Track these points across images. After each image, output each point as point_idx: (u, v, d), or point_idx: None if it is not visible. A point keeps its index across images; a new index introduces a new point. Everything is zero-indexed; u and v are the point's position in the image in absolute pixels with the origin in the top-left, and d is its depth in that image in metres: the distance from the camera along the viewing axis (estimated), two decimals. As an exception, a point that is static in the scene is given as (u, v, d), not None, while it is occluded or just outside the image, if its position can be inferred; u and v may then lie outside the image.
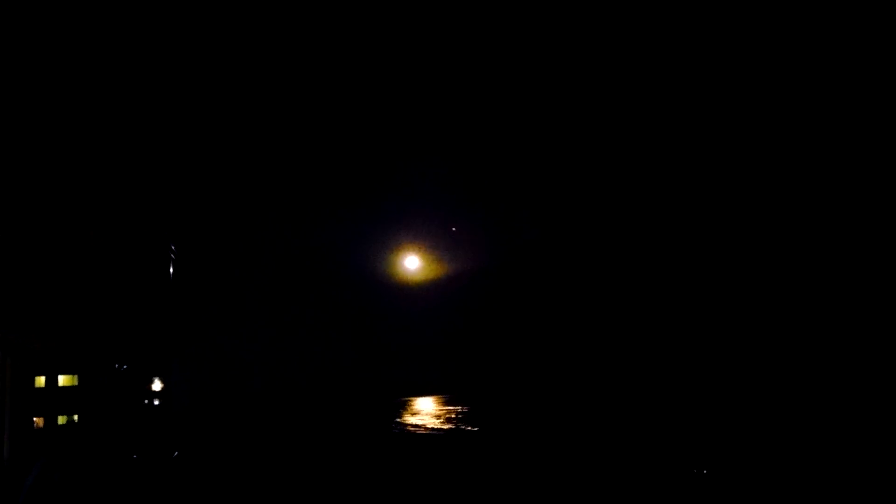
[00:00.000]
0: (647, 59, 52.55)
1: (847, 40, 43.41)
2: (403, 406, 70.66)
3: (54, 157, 41.80)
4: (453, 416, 61.85)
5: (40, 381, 41.12)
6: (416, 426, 57.39)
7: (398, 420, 61.52)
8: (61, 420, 41.77)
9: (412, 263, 68.58)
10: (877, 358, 44.98)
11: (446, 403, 71.25)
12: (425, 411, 66.99)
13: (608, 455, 39.46)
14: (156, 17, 46.55)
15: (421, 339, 76.51)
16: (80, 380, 42.06)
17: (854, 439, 37.31)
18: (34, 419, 40.53)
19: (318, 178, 64.80)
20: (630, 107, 55.31)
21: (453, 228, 63.25)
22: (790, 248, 51.89)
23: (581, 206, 62.01)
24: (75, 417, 42.02)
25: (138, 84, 49.18)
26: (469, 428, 54.49)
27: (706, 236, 56.72)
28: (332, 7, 52.75)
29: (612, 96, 55.48)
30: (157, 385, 45.49)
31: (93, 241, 42.42)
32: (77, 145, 42.71)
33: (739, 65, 49.13)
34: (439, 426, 57.10)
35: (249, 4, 50.57)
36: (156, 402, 45.33)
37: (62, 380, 41.84)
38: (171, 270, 46.63)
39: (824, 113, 46.69)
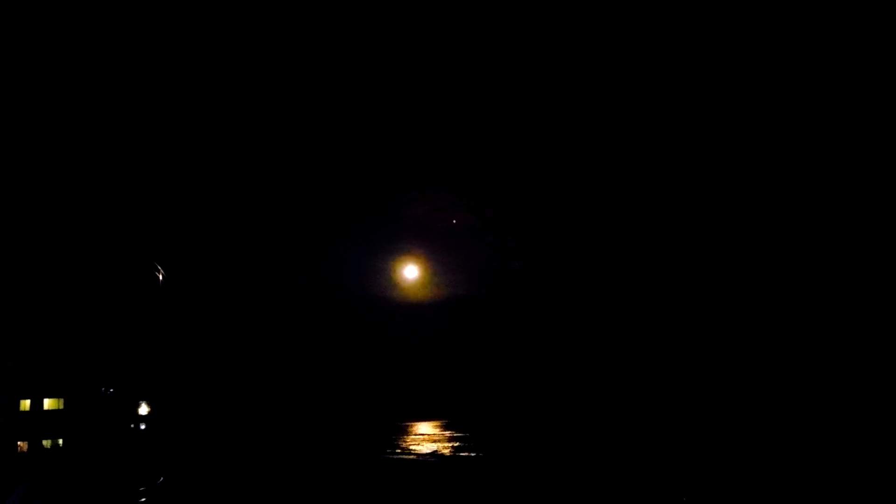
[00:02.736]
0: (634, 92, 53.27)
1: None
2: (402, 431, 70.02)
3: (43, 180, 41.97)
4: (454, 441, 61.27)
5: (25, 404, 40.74)
6: (416, 453, 56.87)
7: (398, 445, 60.94)
8: (46, 444, 41.30)
9: (411, 273, 68.60)
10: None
11: (444, 428, 70.67)
12: (425, 436, 66.35)
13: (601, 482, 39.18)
14: (151, 54, 47.32)
15: (418, 363, 76.13)
16: (65, 403, 41.67)
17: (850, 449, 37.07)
18: (18, 443, 40.10)
19: (318, 202, 65.05)
20: (614, 142, 56.04)
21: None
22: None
23: (567, 235, 62.45)
24: (60, 441, 41.55)
25: (135, 108, 49.68)
26: (471, 454, 54.04)
27: (688, 260, 57.10)
28: (331, 37, 53.61)
29: (599, 131, 56.20)
30: (143, 409, 45.05)
31: (81, 263, 42.38)
32: (65, 171, 42.92)
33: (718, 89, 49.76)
34: (439, 451, 56.57)
35: (246, 45, 51.53)
36: (142, 427, 44.86)
37: (47, 403, 41.45)
38: (160, 292, 46.48)
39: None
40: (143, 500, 39.29)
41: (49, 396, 41.46)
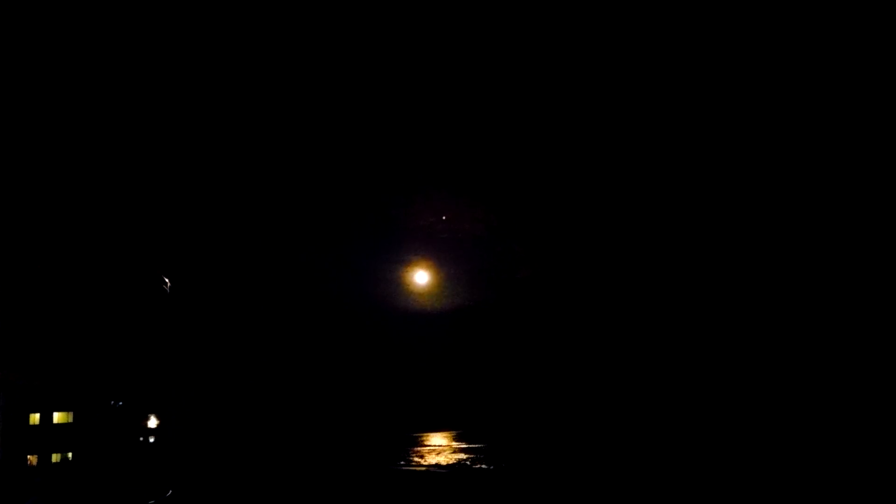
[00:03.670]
0: (640, 103, 53.19)
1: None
2: (415, 442, 69.54)
3: (48, 196, 42.36)
4: (467, 453, 60.80)
5: (35, 418, 40.86)
6: (429, 465, 56.48)
7: (410, 457, 60.54)
8: (55, 458, 41.35)
9: (420, 283, 68.36)
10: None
11: (457, 439, 70.21)
12: (438, 447, 65.88)
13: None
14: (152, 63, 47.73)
15: (430, 373, 75.85)
16: (74, 417, 41.74)
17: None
18: (28, 457, 40.18)
19: (325, 213, 65.19)
20: (619, 152, 55.96)
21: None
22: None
23: (573, 244, 62.34)
24: (69, 455, 41.57)
25: (143, 124, 50.14)
26: (483, 466, 53.64)
27: (693, 264, 56.85)
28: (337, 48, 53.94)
29: (605, 141, 56.14)
30: (152, 422, 45.05)
31: (89, 278, 42.60)
32: (71, 184, 43.31)
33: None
34: (452, 463, 56.17)
35: (255, 58, 51.97)
36: (151, 439, 44.84)
37: (57, 417, 41.56)
38: (167, 303, 46.60)
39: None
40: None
41: (58, 410, 41.57)
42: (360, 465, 56.93)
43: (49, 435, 40.88)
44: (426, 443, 69.66)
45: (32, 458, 40.24)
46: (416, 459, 60.57)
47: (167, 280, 46.68)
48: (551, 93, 55.63)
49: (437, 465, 56.71)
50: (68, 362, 41.72)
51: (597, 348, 66.47)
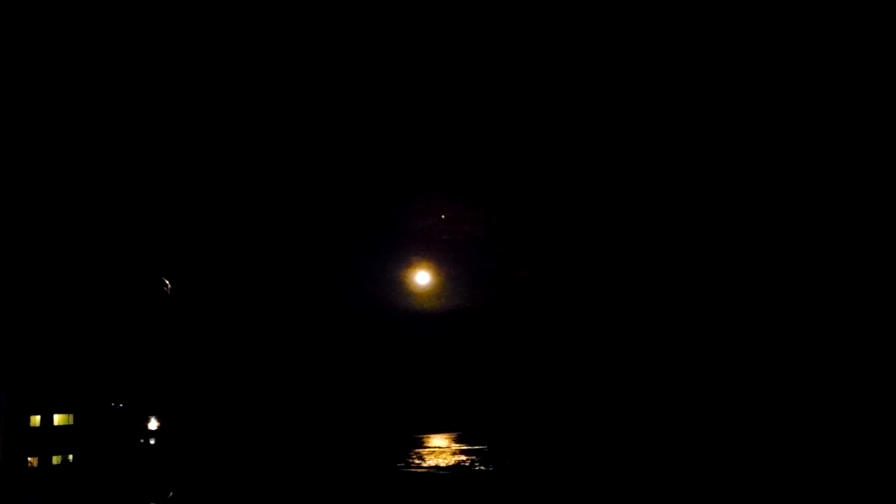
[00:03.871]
0: (642, 104, 53.32)
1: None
2: (416, 443, 69.65)
3: (49, 196, 42.44)
4: (467, 455, 60.87)
5: (35, 420, 40.88)
6: (429, 466, 56.52)
7: (411, 458, 60.62)
8: (56, 460, 41.37)
9: (421, 285, 68.30)
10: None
11: (457, 441, 70.27)
12: (438, 449, 65.90)
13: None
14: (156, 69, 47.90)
15: (431, 374, 75.80)
16: (75, 419, 41.78)
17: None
18: (28, 458, 40.21)
19: (325, 213, 65.24)
20: (620, 153, 56.09)
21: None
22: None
23: (574, 245, 62.47)
24: (70, 457, 41.59)
25: (141, 118, 50.21)
26: (483, 468, 53.71)
27: (694, 267, 57.01)
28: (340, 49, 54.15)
29: (605, 142, 56.27)
30: (153, 424, 45.09)
31: (89, 279, 42.69)
32: (72, 184, 43.40)
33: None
34: (452, 465, 56.23)
35: (260, 59, 52.15)
36: (151, 441, 44.89)
37: (57, 419, 41.59)
38: (167, 305, 46.66)
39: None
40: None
41: (59, 412, 41.59)
42: (360, 467, 56.94)
43: (50, 437, 40.90)
44: (427, 444, 69.66)
45: (33, 460, 40.28)
46: (417, 461, 60.55)
47: (168, 282, 46.78)
48: (552, 93, 55.74)
49: (438, 467, 56.73)
50: (69, 363, 41.77)
51: (598, 350, 66.51)
